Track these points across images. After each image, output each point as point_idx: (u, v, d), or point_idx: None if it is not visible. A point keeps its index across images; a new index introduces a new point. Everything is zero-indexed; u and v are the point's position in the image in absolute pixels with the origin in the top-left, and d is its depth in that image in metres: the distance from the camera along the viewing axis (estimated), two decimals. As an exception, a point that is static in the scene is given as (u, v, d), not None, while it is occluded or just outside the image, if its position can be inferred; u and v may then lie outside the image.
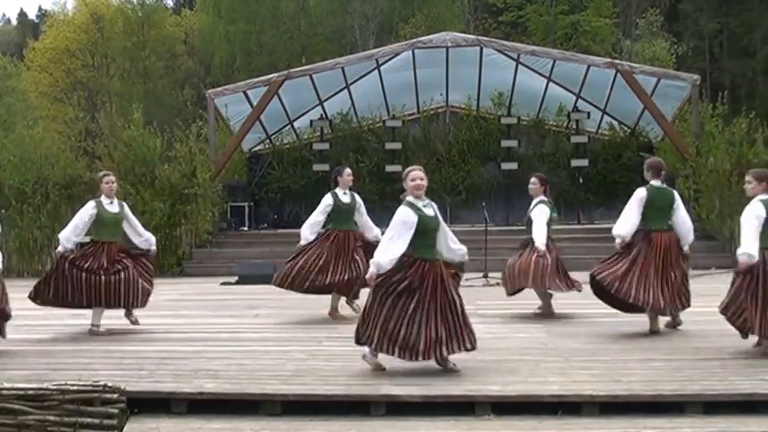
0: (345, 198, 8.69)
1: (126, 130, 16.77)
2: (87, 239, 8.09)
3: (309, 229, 8.66)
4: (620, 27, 36.20)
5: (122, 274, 7.80)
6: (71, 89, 38.67)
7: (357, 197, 8.83)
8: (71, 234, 7.84)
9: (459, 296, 5.98)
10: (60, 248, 7.78)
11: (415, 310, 5.72)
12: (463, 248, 6.23)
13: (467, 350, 5.89)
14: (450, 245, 6.11)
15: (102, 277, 7.73)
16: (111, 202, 7.98)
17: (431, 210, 5.94)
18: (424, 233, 5.81)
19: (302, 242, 8.64)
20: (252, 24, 35.83)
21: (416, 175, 5.93)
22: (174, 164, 16.51)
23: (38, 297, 7.85)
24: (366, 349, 5.89)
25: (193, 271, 15.56)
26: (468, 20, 37.49)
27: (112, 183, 8.04)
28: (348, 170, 8.82)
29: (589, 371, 5.77)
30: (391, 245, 5.75)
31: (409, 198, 5.93)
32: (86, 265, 7.71)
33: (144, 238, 8.23)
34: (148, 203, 15.36)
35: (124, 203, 8.30)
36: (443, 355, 5.82)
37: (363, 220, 8.80)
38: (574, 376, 5.60)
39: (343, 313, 8.69)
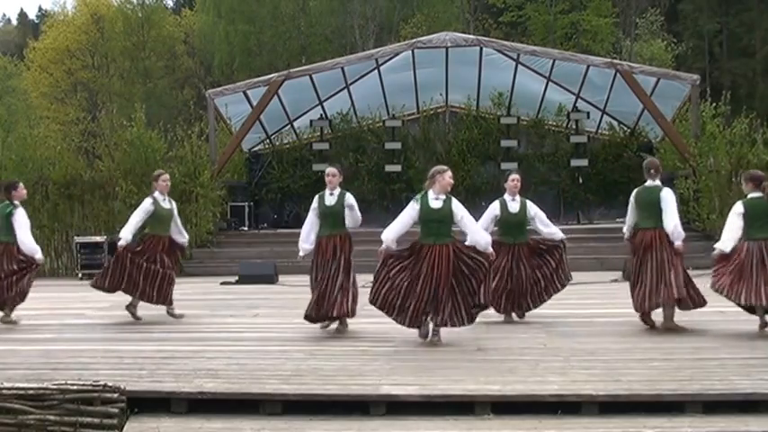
0: (330, 200, 7.65)
1: (128, 129, 16.77)
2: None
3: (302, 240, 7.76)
4: (619, 27, 36.19)
5: (167, 271, 8.50)
6: (72, 89, 38.65)
7: (347, 196, 7.71)
8: (130, 228, 8.43)
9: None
10: (122, 242, 8.32)
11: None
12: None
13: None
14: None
15: (153, 268, 8.40)
16: (165, 199, 8.57)
17: (438, 203, 6.88)
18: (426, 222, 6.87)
19: (301, 253, 7.80)
20: (252, 24, 35.81)
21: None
22: (176, 163, 16.48)
23: (97, 285, 8.51)
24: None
25: (194, 271, 15.54)
26: (468, 20, 37.46)
27: (168, 181, 8.68)
28: (331, 169, 7.74)
29: (589, 370, 5.77)
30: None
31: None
32: (145, 257, 8.39)
33: (184, 239, 8.93)
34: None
35: (173, 203, 8.77)
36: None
37: (351, 216, 7.70)
38: (573, 376, 5.60)
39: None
